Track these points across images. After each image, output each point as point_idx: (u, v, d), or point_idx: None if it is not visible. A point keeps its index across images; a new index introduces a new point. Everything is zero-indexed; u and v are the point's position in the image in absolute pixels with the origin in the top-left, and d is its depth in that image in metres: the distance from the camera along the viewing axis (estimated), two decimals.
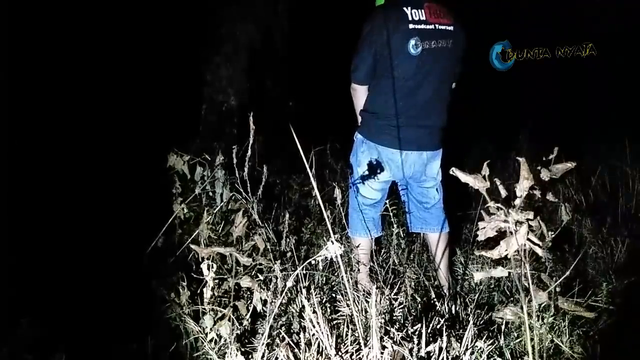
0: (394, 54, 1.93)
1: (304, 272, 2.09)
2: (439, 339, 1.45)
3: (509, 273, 1.46)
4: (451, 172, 1.41)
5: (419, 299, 2.01)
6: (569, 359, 1.67)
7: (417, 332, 1.53)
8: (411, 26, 1.91)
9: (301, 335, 1.55)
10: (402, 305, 1.93)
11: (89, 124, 3.91)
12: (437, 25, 1.94)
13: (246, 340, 1.74)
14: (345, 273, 1.83)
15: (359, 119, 2.18)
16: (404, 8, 1.92)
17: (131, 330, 1.76)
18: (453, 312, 1.86)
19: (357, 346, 1.48)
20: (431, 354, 1.44)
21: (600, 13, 5.34)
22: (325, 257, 1.26)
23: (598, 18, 5.28)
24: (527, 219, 1.29)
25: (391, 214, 2.28)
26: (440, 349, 1.44)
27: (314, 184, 1.42)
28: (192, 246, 1.82)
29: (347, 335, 1.59)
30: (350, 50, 2.06)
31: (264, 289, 1.79)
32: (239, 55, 4.24)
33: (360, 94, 2.11)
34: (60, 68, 4.14)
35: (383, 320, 1.68)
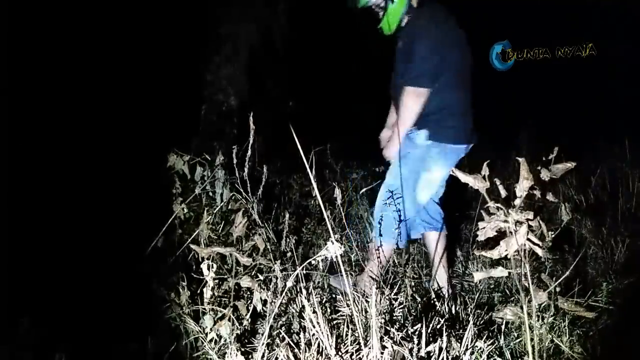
0: (451, 50, 1.98)
1: (304, 272, 2.09)
2: (439, 339, 1.45)
3: (509, 273, 1.46)
4: (451, 172, 1.41)
5: (419, 299, 2.01)
6: (569, 359, 1.67)
7: (417, 332, 1.53)
8: (451, 21, 2.02)
9: (301, 335, 1.55)
10: (402, 306, 1.93)
11: (89, 124, 3.91)
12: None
13: (246, 340, 1.74)
14: (345, 273, 1.83)
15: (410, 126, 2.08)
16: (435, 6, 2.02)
17: (131, 330, 1.76)
18: (453, 312, 1.86)
19: (357, 346, 1.48)
20: (431, 354, 1.44)
21: (600, 13, 5.34)
22: (325, 257, 1.26)
23: (598, 18, 5.28)
24: (527, 219, 1.29)
25: None
26: (440, 349, 1.43)
27: (314, 184, 1.42)
28: (192, 246, 1.82)
29: (347, 335, 1.59)
30: (349, 51, 2.07)
31: (264, 289, 1.78)
32: (239, 55, 4.24)
33: (424, 100, 2.02)
34: (60, 68, 4.14)
35: (383, 320, 1.68)
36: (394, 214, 2.10)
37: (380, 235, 2.09)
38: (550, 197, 1.40)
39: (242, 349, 1.57)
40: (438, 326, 1.64)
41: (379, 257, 2.11)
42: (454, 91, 2.04)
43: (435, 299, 1.99)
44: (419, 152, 2.09)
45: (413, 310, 1.92)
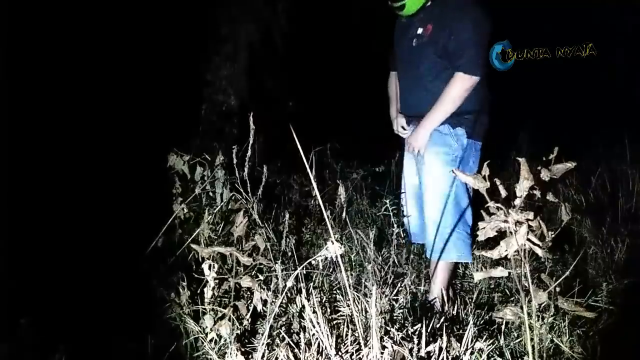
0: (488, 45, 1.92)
1: (304, 272, 2.09)
2: (439, 339, 1.45)
3: (509, 273, 1.46)
4: (451, 173, 1.41)
5: (419, 299, 2.01)
6: (569, 359, 1.67)
7: (417, 332, 1.53)
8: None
9: (301, 335, 1.55)
10: (402, 306, 1.93)
11: (89, 124, 3.91)
12: None
13: (246, 340, 1.74)
14: (345, 273, 1.83)
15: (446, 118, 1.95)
16: None
17: (131, 330, 1.76)
18: (453, 312, 1.86)
19: (357, 346, 1.48)
20: (431, 354, 1.44)
21: (600, 13, 5.34)
22: (326, 257, 1.26)
23: (598, 18, 5.28)
24: (527, 219, 1.29)
25: (391, 213, 2.28)
26: (440, 349, 1.43)
27: (314, 184, 1.42)
28: (193, 246, 1.82)
29: (347, 335, 1.59)
30: (349, 51, 2.05)
31: (264, 289, 1.79)
32: (239, 55, 4.25)
33: (471, 89, 1.90)
34: (60, 68, 4.14)
35: (383, 320, 1.68)
36: (465, 226, 1.99)
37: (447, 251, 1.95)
38: (550, 197, 1.40)
39: (242, 349, 1.57)
40: (438, 326, 1.64)
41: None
42: (486, 85, 1.98)
43: (435, 300, 1.99)
44: (463, 153, 1.97)
45: (413, 310, 1.92)
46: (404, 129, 2.16)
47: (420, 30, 1.95)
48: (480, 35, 1.85)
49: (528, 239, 1.31)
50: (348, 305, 1.84)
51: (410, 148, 2.06)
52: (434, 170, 1.99)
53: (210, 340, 1.70)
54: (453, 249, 1.97)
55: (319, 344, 1.47)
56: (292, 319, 1.85)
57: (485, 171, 1.33)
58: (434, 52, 1.91)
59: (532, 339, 1.37)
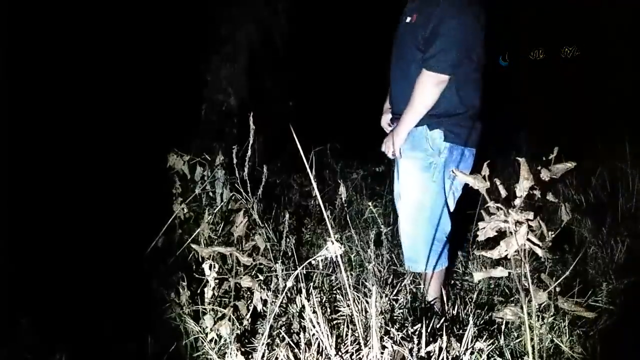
0: (475, 38, 1.72)
1: (304, 272, 2.09)
2: (439, 339, 1.45)
3: (509, 273, 1.46)
4: (451, 173, 1.41)
5: (419, 299, 2.01)
6: (569, 359, 1.67)
7: (417, 332, 1.53)
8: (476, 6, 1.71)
9: (301, 335, 1.55)
10: (402, 306, 1.93)
11: (89, 124, 3.91)
12: None
13: (246, 340, 1.74)
14: (345, 273, 1.83)
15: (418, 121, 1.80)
16: None
17: (131, 330, 1.76)
18: (453, 312, 1.86)
19: (357, 346, 1.48)
20: (431, 354, 1.44)
21: (600, 13, 5.34)
22: (326, 257, 1.26)
23: (598, 18, 5.28)
24: (527, 219, 1.29)
25: (390, 214, 2.27)
26: (440, 349, 1.43)
27: (314, 184, 1.42)
28: (193, 246, 1.82)
29: (347, 335, 1.59)
30: (349, 51, 2.04)
31: (264, 289, 1.79)
32: (239, 55, 4.25)
33: (443, 88, 1.73)
34: (59, 68, 4.14)
35: (383, 320, 1.68)
36: (441, 235, 1.92)
37: (430, 261, 1.89)
38: (550, 197, 1.40)
39: (242, 349, 1.57)
40: (438, 326, 1.64)
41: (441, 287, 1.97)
42: (477, 87, 1.82)
43: (434, 300, 1.99)
44: (441, 159, 1.82)
45: (413, 310, 1.92)
46: (390, 125, 2.05)
47: (408, 19, 1.82)
48: (457, 32, 1.68)
49: (528, 239, 1.31)
50: (348, 305, 1.84)
51: (386, 150, 1.93)
52: (408, 177, 1.90)
53: (210, 340, 1.70)
54: (423, 259, 1.93)
55: (319, 344, 1.47)
56: (292, 319, 1.85)
57: (485, 171, 1.33)
58: (414, 43, 1.77)
59: (532, 339, 1.37)
